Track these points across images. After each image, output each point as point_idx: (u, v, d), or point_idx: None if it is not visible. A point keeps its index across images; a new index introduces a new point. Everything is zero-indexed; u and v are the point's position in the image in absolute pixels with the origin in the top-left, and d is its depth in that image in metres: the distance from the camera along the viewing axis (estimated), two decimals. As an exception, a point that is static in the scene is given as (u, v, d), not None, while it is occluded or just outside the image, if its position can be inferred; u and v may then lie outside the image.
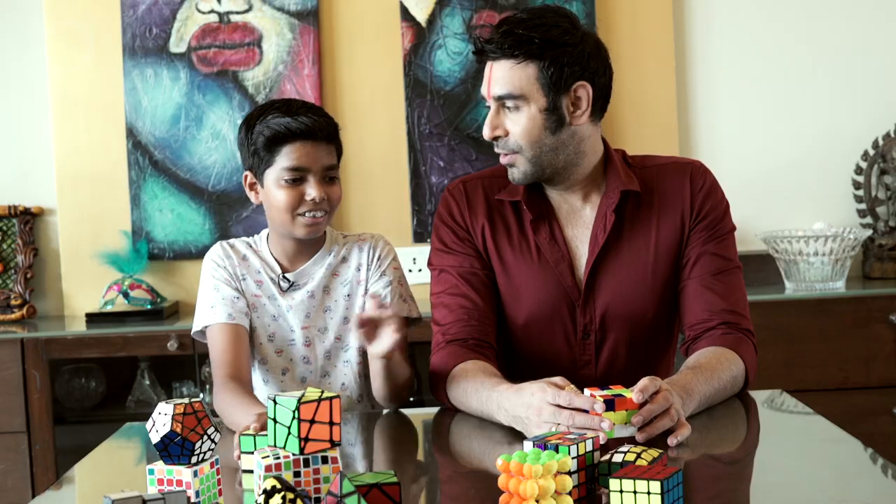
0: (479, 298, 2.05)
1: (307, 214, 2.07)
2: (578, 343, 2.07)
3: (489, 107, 2.02)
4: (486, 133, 2.01)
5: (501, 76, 1.97)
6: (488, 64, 2.00)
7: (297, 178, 2.06)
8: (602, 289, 2.05)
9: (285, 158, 2.06)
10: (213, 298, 2.11)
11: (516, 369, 2.10)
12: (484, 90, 2.02)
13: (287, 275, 2.15)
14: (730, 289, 2.05)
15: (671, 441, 1.68)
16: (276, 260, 2.16)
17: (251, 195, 2.16)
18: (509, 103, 1.98)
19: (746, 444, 1.80)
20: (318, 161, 2.07)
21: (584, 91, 1.98)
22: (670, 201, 2.07)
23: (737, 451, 1.76)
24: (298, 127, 2.05)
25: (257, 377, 2.17)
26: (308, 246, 2.16)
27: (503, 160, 2.03)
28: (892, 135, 3.48)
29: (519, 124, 1.98)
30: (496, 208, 2.10)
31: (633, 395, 1.67)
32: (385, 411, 2.10)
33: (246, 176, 2.15)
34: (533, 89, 1.96)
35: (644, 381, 1.69)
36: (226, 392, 1.99)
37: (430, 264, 2.14)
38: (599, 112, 2.03)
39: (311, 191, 2.06)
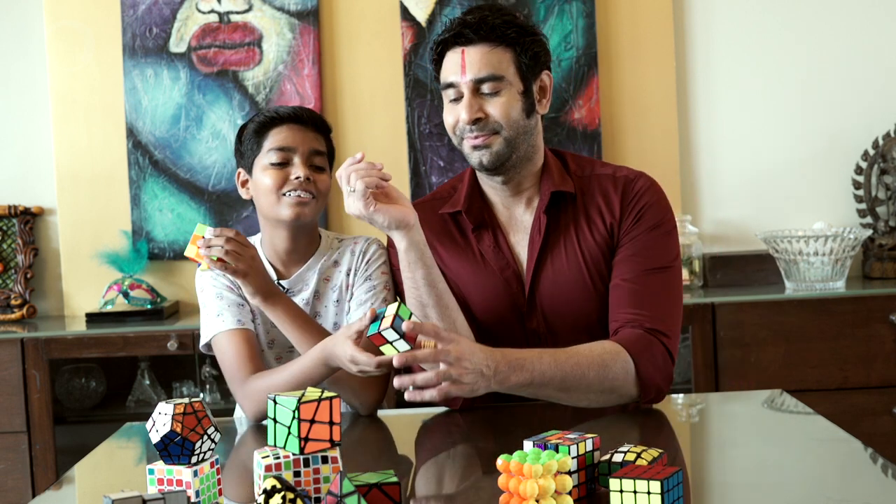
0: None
1: (292, 194, 2.07)
2: (533, 347, 2.05)
3: (456, 98, 2.00)
4: (467, 116, 1.99)
5: (479, 59, 1.98)
6: (457, 50, 2.00)
7: (282, 159, 2.08)
8: (543, 293, 2.05)
9: (271, 141, 2.09)
10: (218, 307, 2.08)
11: None
12: (454, 76, 2.00)
13: (282, 282, 2.13)
14: (647, 289, 1.99)
15: (396, 383, 1.75)
16: (271, 265, 2.15)
17: (243, 192, 2.17)
18: (487, 87, 1.99)
19: (746, 444, 1.80)
20: (303, 142, 2.09)
21: (549, 79, 2.06)
22: (600, 208, 2.05)
23: (736, 451, 1.75)
24: (286, 112, 2.11)
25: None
26: (302, 246, 2.15)
27: (476, 142, 2.00)
28: (892, 135, 3.48)
29: (498, 105, 1.99)
30: (441, 226, 2.10)
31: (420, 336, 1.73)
32: (383, 412, 2.09)
33: (239, 173, 2.18)
34: (510, 72, 2.00)
35: (433, 327, 1.75)
36: (257, 381, 1.98)
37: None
38: (548, 106, 2.08)
39: (297, 170, 2.07)
